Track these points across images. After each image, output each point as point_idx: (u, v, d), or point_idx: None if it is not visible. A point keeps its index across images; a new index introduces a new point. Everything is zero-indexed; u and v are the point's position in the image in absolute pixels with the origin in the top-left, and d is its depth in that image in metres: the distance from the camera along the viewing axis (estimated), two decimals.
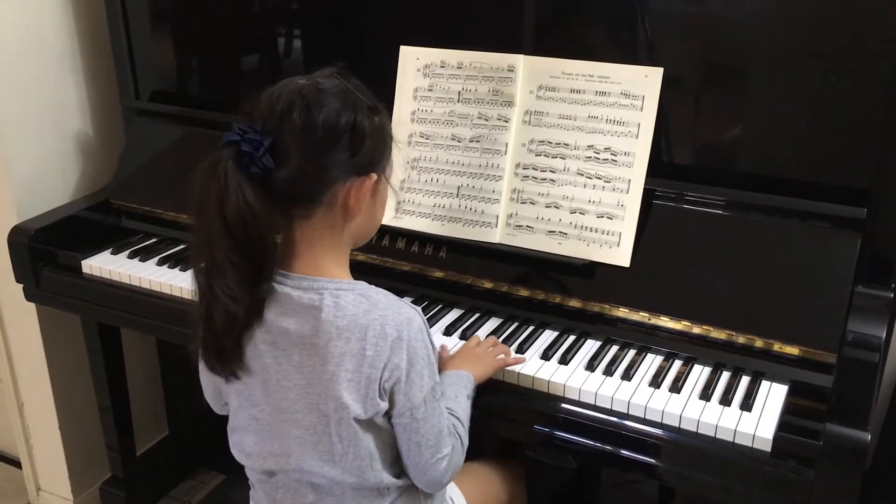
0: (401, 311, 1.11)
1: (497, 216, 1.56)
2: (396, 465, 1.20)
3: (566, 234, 1.51)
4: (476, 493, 1.41)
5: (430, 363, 1.14)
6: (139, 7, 1.97)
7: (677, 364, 1.41)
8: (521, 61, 1.55)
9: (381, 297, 1.12)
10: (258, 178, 1.04)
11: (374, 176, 1.13)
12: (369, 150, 1.11)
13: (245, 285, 1.06)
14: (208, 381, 1.26)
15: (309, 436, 1.14)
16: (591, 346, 1.46)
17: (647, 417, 1.30)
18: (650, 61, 1.47)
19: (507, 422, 1.40)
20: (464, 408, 1.25)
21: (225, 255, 1.04)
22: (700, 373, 1.38)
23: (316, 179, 1.08)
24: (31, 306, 1.94)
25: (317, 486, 1.18)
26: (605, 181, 1.49)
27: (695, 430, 1.27)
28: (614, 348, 1.45)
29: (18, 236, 1.82)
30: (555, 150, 1.53)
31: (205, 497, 2.28)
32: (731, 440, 1.24)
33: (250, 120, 1.07)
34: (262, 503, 1.25)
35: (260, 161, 1.04)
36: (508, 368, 1.39)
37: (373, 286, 1.14)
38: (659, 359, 1.42)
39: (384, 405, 1.11)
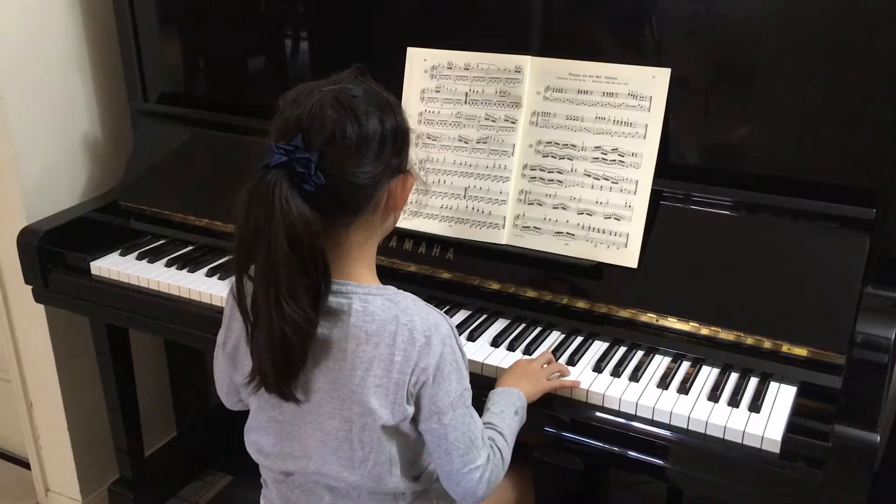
0: (429, 317, 1.11)
1: (504, 217, 1.56)
2: (413, 469, 1.20)
3: (573, 235, 1.51)
4: None
5: (459, 369, 1.13)
6: (147, 9, 1.98)
7: (685, 365, 1.40)
8: (528, 62, 1.55)
9: (409, 303, 1.12)
10: (308, 195, 1.02)
11: (412, 172, 1.14)
12: (407, 149, 1.13)
13: (313, 304, 1.05)
14: (223, 377, 1.25)
15: (331, 440, 1.13)
16: (598, 347, 1.46)
17: (655, 419, 1.30)
18: (657, 62, 1.47)
19: None
20: (508, 423, 1.23)
21: (294, 277, 1.02)
22: (708, 374, 1.38)
23: (366, 188, 1.07)
24: (40, 308, 1.95)
25: (333, 489, 1.18)
26: (612, 182, 1.49)
27: (703, 432, 1.27)
28: (622, 349, 1.45)
29: (27, 238, 1.83)
30: (562, 151, 1.53)
31: (212, 498, 2.29)
32: (740, 441, 1.24)
33: (285, 136, 1.04)
34: (276, 503, 1.25)
35: (311, 179, 1.02)
36: None
37: (401, 291, 1.13)
38: (667, 360, 1.42)
39: (411, 410, 1.11)
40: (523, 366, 1.37)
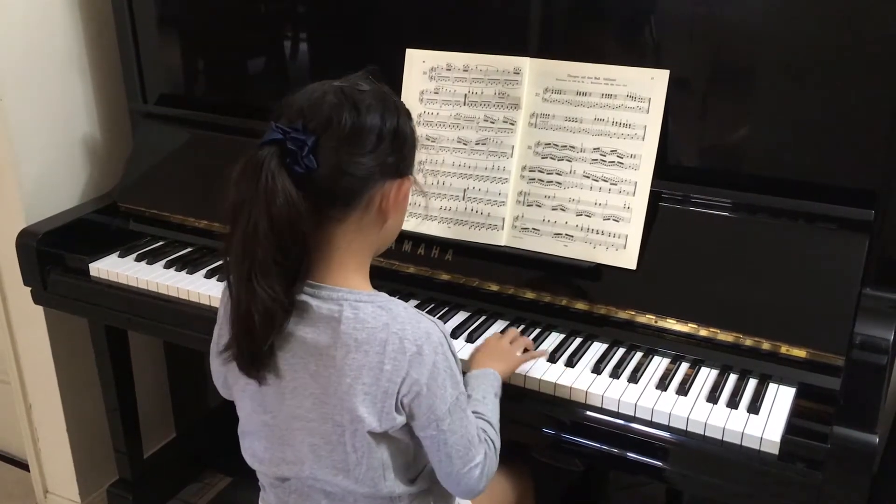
0: (420, 325, 1.10)
1: (503, 219, 1.56)
2: (409, 472, 1.20)
3: (572, 236, 1.51)
4: (483, 496, 1.40)
5: (453, 374, 1.13)
6: (146, 11, 1.98)
7: (684, 366, 1.40)
8: (527, 64, 1.55)
9: (401, 310, 1.11)
10: (298, 178, 1.03)
11: (411, 178, 1.15)
12: (408, 153, 1.13)
13: (285, 287, 1.06)
14: (219, 375, 1.25)
15: (323, 444, 1.13)
16: (597, 348, 1.46)
17: (654, 420, 1.30)
18: (656, 64, 1.47)
19: (515, 425, 1.39)
20: (492, 409, 1.24)
21: (269, 254, 1.03)
22: (707, 375, 1.38)
23: (358, 181, 1.07)
24: (39, 309, 1.95)
25: (329, 494, 1.18)
26: (611, 183, 1.49)
27: (702, 433, 1.27)
28: (621, 351, 1.45)
29: (26, 239, 1.83)
30: (561, 153, 1.53)
31: (212, 499, 2.28)
32: (739, 443, 1.24)
33: (288, 120, 1.06)
34: None
35: (303, 160, 1.03)
36: (517, 371, 1.39)
37: (393, 298, 1.13)
38: (666, 361, 1.42)
39: (401, 419, 1.11)
40: (493, 344, 1.39)
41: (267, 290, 1.03)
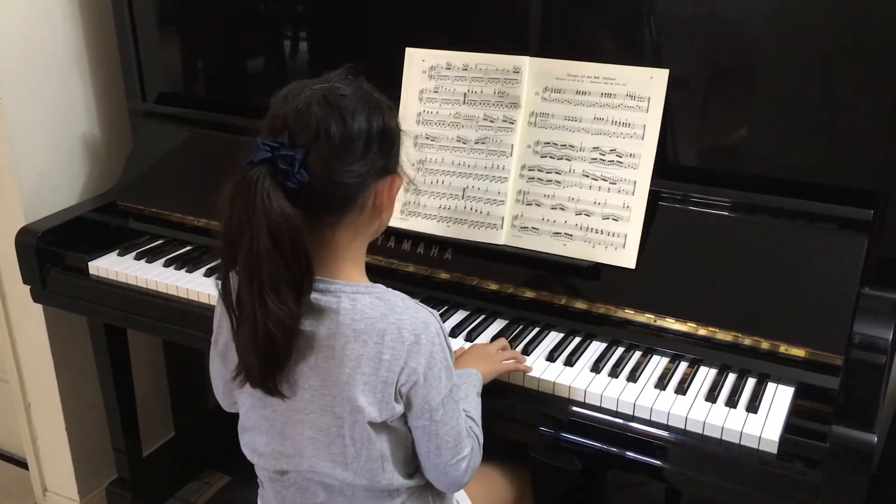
0: (418, 315, 1.11)
1: (502, 218, 1.56)
2: (408, 466, 1.20)
3: (571, 235, 1.51)
4: (482, 495, 1.41)
5: (448, 366, 1.14)
6: (146, 10, 1.98)
7: (683, 366, 1.40)
8: (526, 63, 1.55)
9: (399, 301, 1.12)
10: (291, 193, 1.03)
11: (401, 174, 1.14)
12: (397, 149, 1.13)
13: (294, 298, 1.06)
14: (218, 379, 1.25)
15: (322, 437, 1.14)
16: (596, 347, 1.46)
17: (652, 419, 1.30)
18: (656, 63, 1.47)
19: (513, 424, 1.40)
20: (475, 406, 1.26)
21: (276, 272, 1.03)
22: (706, 374, 1.38)
23: (351, 188, 1.07)
24: (38, 307, 1.95)
25: (328, 486, 1.18)
26: (610, 183, 1.49)
27: (700, 432, 1.27)
28: (620, 350, 1.45)
29: (26, 238, 1.83)
30: (560, 152, 1.53)
31: (211, 498, 2.29)
32: (737, 442, 1.24)
33: (273, 133, 1.05)
34: (272, 502, 1.25)
35: (295, 177, 1.02)
36: (517, 371, 1.39)
37: (390, 289, 1.14)
38: (665, 360, 1.42)
39: (400, 408, 1.11)
40: (479, 348, 1.40)
41: (282, 308, 1.04)
